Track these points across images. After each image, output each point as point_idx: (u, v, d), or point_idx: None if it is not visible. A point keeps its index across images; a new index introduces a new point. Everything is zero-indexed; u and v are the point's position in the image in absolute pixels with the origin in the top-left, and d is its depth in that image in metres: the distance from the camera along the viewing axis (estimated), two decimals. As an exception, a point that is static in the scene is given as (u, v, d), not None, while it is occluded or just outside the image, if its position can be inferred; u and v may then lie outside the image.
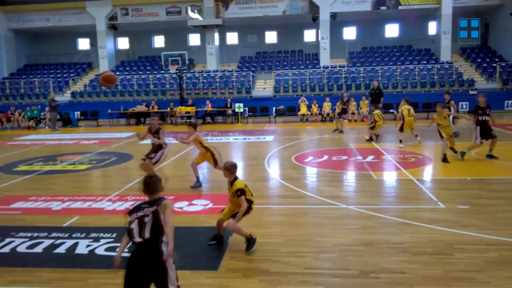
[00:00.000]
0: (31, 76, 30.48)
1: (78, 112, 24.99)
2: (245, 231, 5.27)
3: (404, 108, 13.17)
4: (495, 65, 25.45)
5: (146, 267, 3.33)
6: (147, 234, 3.36)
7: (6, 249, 5.50)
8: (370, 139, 13.88)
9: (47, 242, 5.67)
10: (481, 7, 26.96)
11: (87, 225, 6.39)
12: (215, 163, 8.29)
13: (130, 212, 3.51)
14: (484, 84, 24.63)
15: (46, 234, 5.98)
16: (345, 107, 17.43)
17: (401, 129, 13.02)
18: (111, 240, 5.68)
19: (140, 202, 3.56)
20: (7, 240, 5.79)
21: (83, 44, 33.84)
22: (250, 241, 5.23)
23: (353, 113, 21.43)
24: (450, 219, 6.15)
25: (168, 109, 23.60)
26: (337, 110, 18.06)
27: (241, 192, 5.15)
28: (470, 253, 4.98)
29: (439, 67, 25.74)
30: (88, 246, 5.51)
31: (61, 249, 5.44)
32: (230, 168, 5.26)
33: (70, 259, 5.16)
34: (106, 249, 5.39)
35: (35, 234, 5.97)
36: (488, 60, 26.88)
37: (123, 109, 24.64)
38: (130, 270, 3.35)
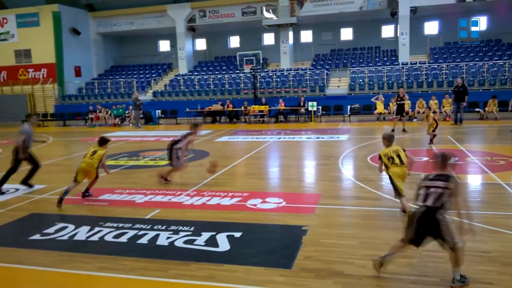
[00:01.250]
0: (116, 77, 32.66)
1: (159, 111, 26.32)
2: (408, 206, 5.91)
3: None
4: None
5: (427, 227, 4.14)
6: (430, 202, 4.13)
7: (95, 237, 5.94)
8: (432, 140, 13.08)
9: (131, 233, 6.02)
10: None
11: (167, 218, 6.70)
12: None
13: (424, 179, 4.34)
14: None
15: (130, 225, 6.37)
16: (402, 102, 16.60)
17: None
18: (189, 233, 5.90)
19: (429, 174, 4.37)
20: (96, 229, 6.25)
21: (164, 45, 35.57)
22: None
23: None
24: (546, 229, 5.61)
25: (242, 108, 24.08)
26: (392, 108, 17.09)
27: (379, 156, 6.13)
28: None
29: (534, 62, 23.56)
30: (168, 238, 5.77)
31: (143, 240, 5.76)
32: (388, 137, 6.26)
33: (151, 250, 5.44)
34: (185, 242, 5.61)
35: (121, 225, 6.38)
36: None
37: (200, 108, 25.53)
38: (416, 225, 4.17)
